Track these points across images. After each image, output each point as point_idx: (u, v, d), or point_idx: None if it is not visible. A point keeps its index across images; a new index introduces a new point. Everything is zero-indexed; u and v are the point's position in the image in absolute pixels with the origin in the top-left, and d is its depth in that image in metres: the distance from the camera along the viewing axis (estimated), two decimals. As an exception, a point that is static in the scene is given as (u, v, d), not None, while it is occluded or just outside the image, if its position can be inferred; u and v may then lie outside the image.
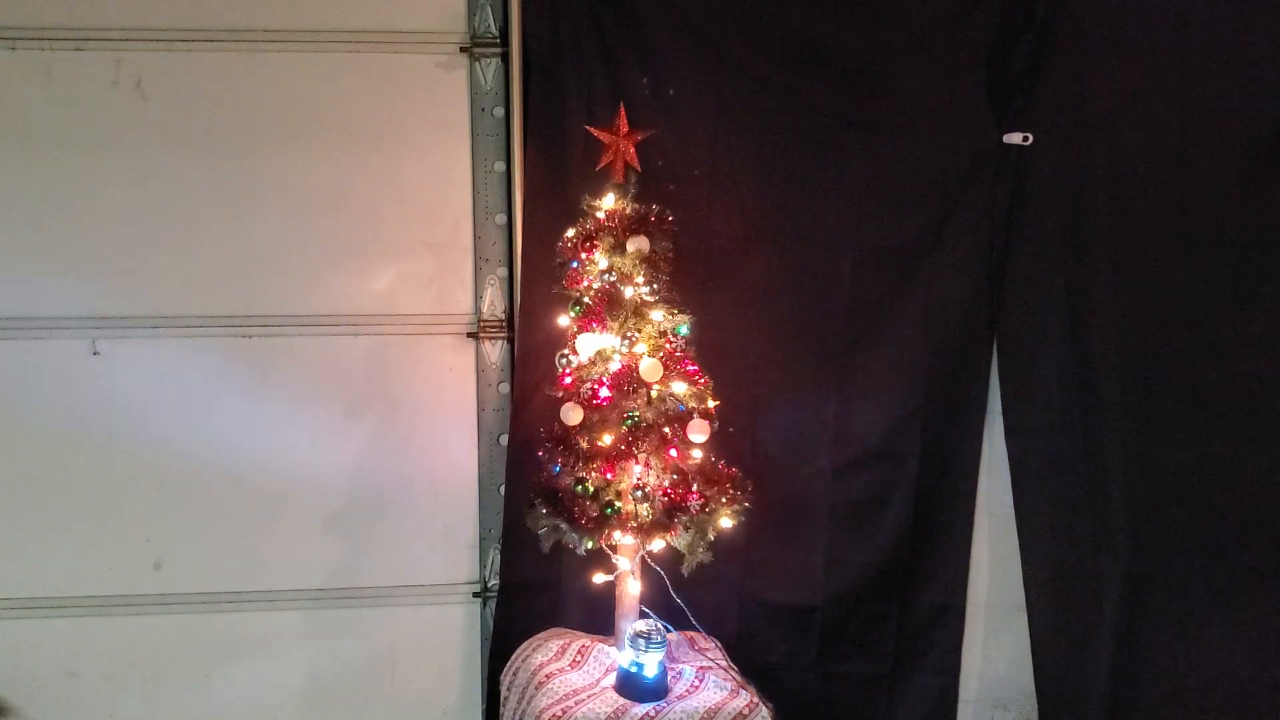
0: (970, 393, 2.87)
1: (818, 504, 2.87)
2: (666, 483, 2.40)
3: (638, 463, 2.38)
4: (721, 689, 2.46)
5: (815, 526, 2.87)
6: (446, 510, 2.92)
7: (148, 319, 2.76)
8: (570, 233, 2.48)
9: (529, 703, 2.45)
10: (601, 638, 2.65)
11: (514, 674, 2.62)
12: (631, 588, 2.49)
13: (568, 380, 2.43)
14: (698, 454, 2.43)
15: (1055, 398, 2.83)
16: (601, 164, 2.51)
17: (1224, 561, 2.85)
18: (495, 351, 2.87)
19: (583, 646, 2.61)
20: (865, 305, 2.81)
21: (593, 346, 2.42)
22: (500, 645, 2.82)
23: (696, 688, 2.47)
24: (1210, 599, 2.86)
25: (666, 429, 2.38)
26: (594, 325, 2.41)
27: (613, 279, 2.42)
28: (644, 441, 2.36)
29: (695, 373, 2.42)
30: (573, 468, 2.38)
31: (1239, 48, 2.71)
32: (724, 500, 2.41)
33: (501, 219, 2.82)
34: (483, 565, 2.94)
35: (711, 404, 2.41)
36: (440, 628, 2.97)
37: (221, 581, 2.88)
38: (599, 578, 2.52)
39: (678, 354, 2.42)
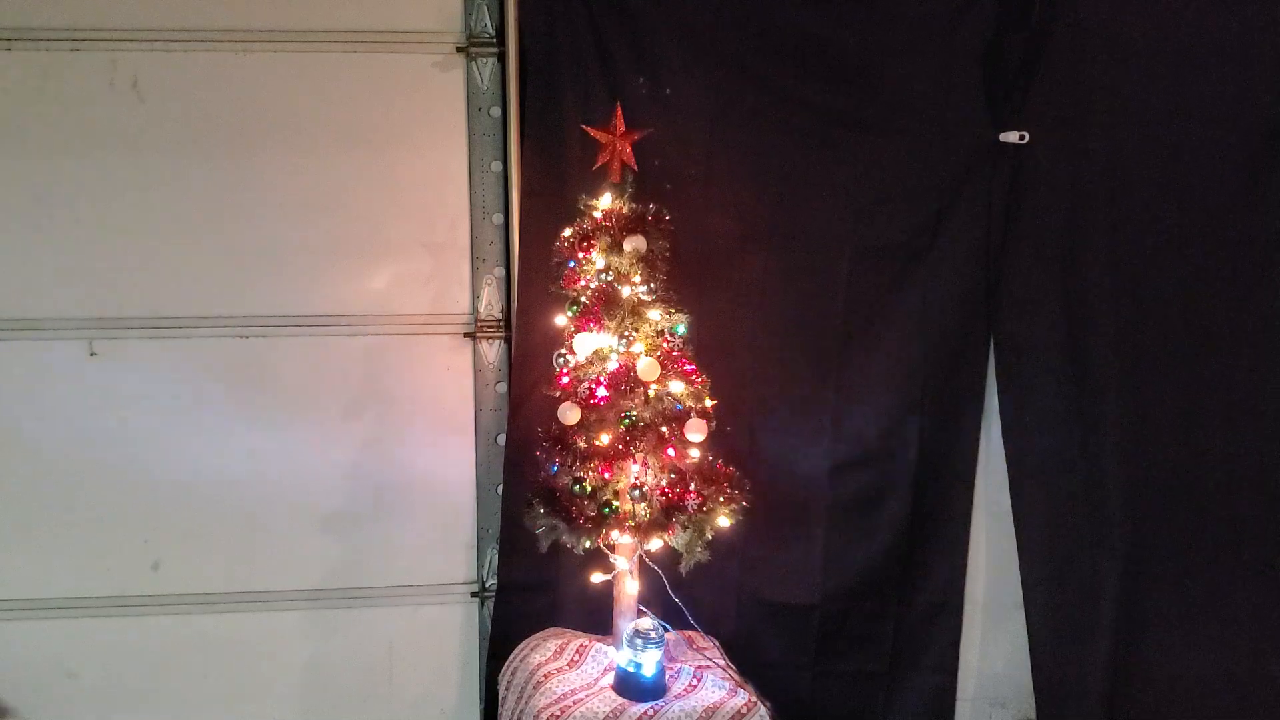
0: (967, 391, 2.88)
1: (815, 503, 2.87)
2: (664, 482, 2.40)
3: (635, 462, 2.37)
4: (720, 688, 2.46)
5: (813, 525, 2.88)
6: (444, 510, 2.92)
7: (145, 320, 2.76)
8: (567, 232, 2.48)
9: (527, 702, 2.45)
10: (599, 637, 2.65)
11: (512, 673, 2.62)
12: (629, 587, 2.49)
13: (565, 380, 2.43)
14: (695, 453, 2.43)
15: (1052, 396, 2.83)
16: (598, 164, 2.51)
17: (1220, 558, 2.86)
18: (492, 351, 2.87)
19: (581, 646, 2.61)
20: (862, 304, 2.82)
21: (590, 346, 2.41)
22: (498, 645, 2.83)
23: (694, 687, 2.47)
24: (1207, 596, 2.86)
25: (664, 428, 2.38)
26: (591, 325, 2.41)
27: (610, 278, 2.42)
28: (641, 441, 2.36)
29: (692, 372, 2.42)
30: (570, 467, 2.38)
31: (1234, 45, 2.72)
32: (721, 499, 2.41)
33: (498, 219, 2.82)
34: (480, 565, 2.94)
35: (709, 403, 2.41)
36: (438, 628, 2.97)
37: (219, 582, 2.88)
38: (597, 577, 2.53)
39: (675, 353, 2.43)
